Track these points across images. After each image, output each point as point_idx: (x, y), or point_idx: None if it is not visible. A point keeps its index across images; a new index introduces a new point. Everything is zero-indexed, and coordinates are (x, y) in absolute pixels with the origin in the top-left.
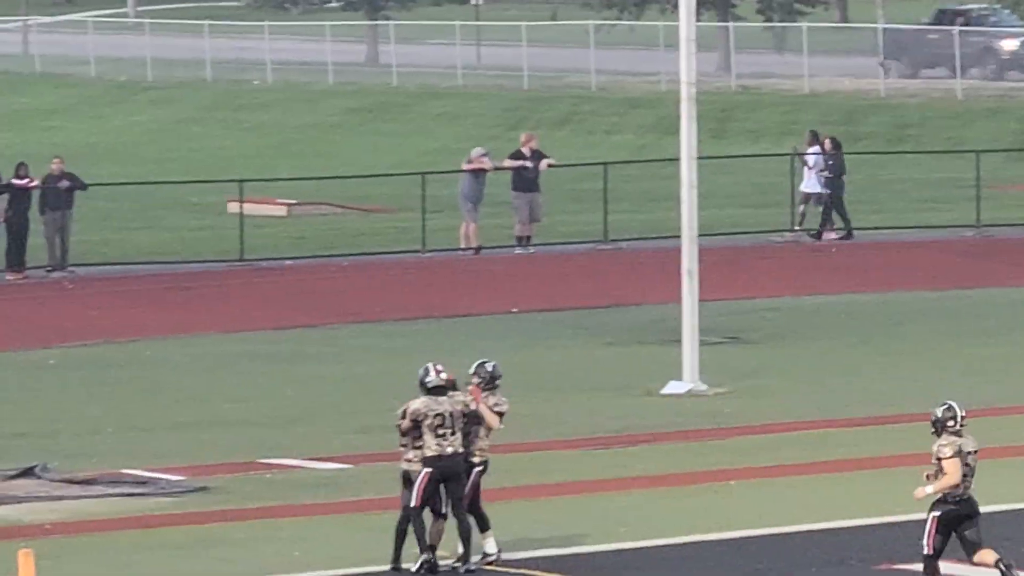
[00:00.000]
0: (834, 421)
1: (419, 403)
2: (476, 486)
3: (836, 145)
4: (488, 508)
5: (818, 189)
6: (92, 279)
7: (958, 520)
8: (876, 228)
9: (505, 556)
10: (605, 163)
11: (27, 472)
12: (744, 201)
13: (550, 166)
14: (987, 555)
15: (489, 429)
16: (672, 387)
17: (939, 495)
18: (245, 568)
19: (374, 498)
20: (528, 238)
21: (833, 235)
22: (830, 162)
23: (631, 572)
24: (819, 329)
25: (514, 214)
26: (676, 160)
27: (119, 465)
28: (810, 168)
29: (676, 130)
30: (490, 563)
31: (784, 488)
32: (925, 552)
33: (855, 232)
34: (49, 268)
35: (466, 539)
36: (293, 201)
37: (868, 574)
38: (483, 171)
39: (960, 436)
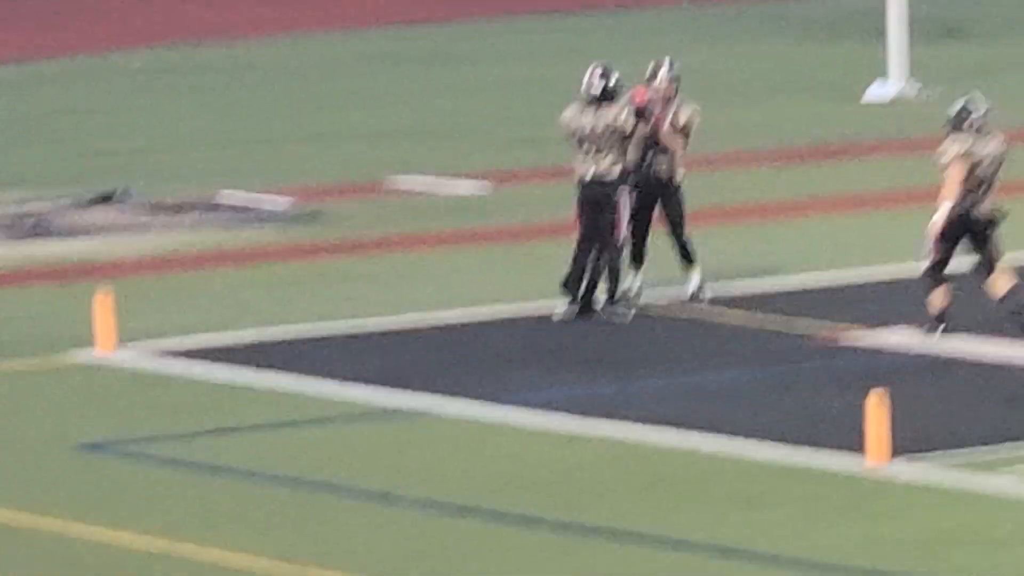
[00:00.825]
0: None
1: (567, 112)
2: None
3: None
4: (661, 237)
5: None
6: None
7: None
8: None
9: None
10: None
11: (105, 197)
12: None
13: None
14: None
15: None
16: (877, 90)
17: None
18: (368, 308)
19: (524, 224)
20: None
21: None
22: None
23: (828, 309)
24: None
25: None
26: None
27: (216, 187)
28: None
29: None
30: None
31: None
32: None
33: None
34: None
35: (612, 275)
36: None
37: None
38: None
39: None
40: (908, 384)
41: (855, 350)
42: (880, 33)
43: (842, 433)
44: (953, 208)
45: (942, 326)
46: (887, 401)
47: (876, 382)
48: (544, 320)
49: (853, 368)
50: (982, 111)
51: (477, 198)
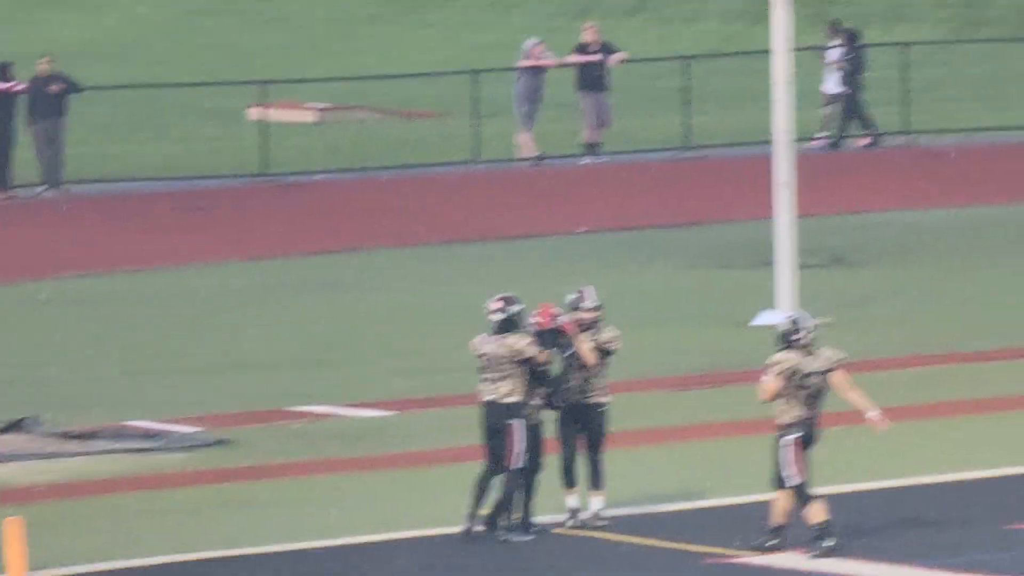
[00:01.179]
0: (960, 355)
1: (476, 339)
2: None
3: (852, 37)
4: (549, 459)
5: (837, 89)
6: (90, 199)
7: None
8: (1001, 129)
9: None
10: (685, 57)
11: (15, 425)
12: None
13: (622, 61)
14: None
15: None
16: (765, 318)
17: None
18: (272, 533)
19: (424, 450)
20: (597, 145)
21: (860, 142)
22: (847, 57)
23: (718, 533)
24: (938, 248)
25: (580, 118)
26: (768, 53)
27: (123, 416)
28: (828, 64)
29: (767, 17)
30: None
31: (898, 434)
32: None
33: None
34: (40, 187)
35: (507, 499)
36: (324, 106)
37: (995, 535)
38: (543, 67)
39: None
40: None
41: (746, 572)
42: (768, 262)
43: None
44: (799, 426)
45: (826, 540)
46: None
47: None
48: (444, 542)
49: None
50: (809, 328)
51: (378, 425)
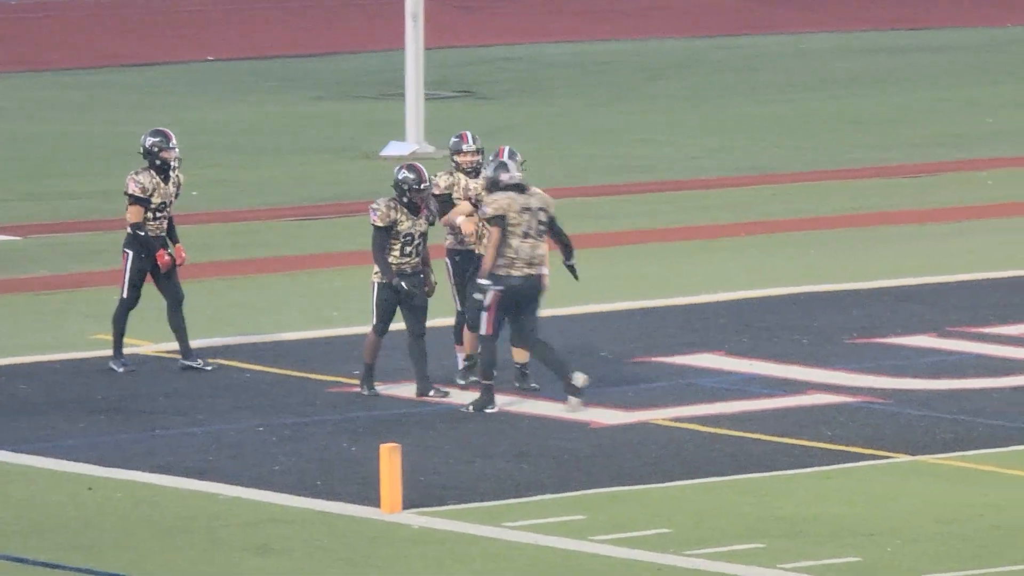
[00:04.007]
0: (580, 189)
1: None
2: None
3: None
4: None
5: None
6: None
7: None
8: None
9: (200, 343)
10: None
11: None
12: None
13: None
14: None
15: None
16: (393, 148)
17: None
18: None
19: (47, 275)
20: None
21: None
22: None
23: (342, 362)
24: (565, 83)
25: None
26: None
27: None
28: None
29: None
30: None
31: None
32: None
33: None
34: None
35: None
36: None
37: (623, 368)
38: None
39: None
40: (422, 435)
41: (370, 401)
42: (396, 93)
43: (355, 483)
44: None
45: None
46: (399, 452)
47: (389, 433)
48: (67, 369)
49: (368, 419)
50: None
51: (4, 249)
